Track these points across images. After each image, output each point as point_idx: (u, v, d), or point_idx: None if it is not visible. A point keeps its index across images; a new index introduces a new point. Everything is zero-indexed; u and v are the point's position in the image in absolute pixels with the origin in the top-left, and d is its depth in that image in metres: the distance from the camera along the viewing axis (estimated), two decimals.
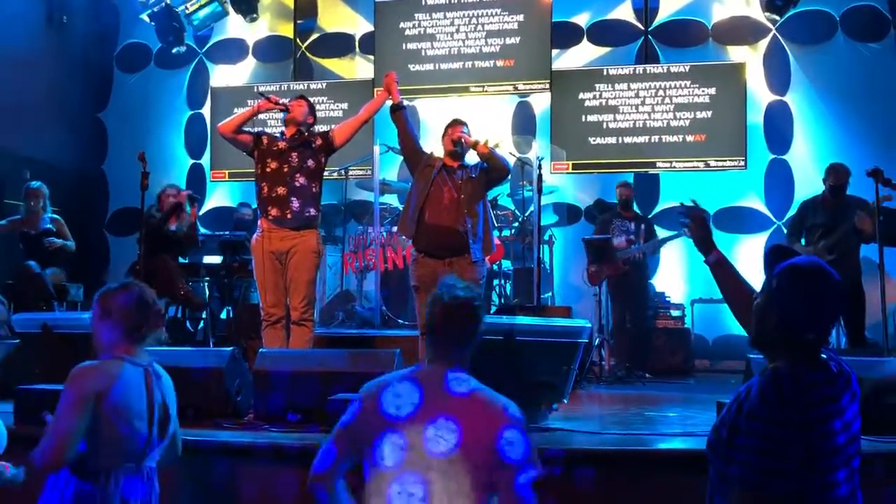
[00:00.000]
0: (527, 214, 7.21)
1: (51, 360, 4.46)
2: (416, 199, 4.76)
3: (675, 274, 7.81)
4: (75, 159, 8.92)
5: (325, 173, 7.85)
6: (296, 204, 4.68)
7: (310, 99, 5.10)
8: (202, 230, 8.62)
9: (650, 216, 7.83)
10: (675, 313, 7.18)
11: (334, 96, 8.56)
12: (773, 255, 2.06)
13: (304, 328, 4.65)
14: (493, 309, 6.78)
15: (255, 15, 8.66)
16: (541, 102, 8.29)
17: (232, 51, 9.18)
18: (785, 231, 7.47)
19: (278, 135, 4.91)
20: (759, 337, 2.02)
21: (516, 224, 7.28)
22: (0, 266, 7.33)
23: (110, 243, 9.10)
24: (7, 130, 7.93)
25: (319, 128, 5.28)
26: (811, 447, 1.85)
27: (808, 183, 7.44)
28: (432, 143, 8.54)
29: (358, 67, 8.93)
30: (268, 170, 4.77)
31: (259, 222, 4.81)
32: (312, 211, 4.76)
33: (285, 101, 4.91)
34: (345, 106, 8.45)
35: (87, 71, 9.19)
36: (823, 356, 1.96)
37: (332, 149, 4.94)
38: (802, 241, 6.17)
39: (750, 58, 7.90)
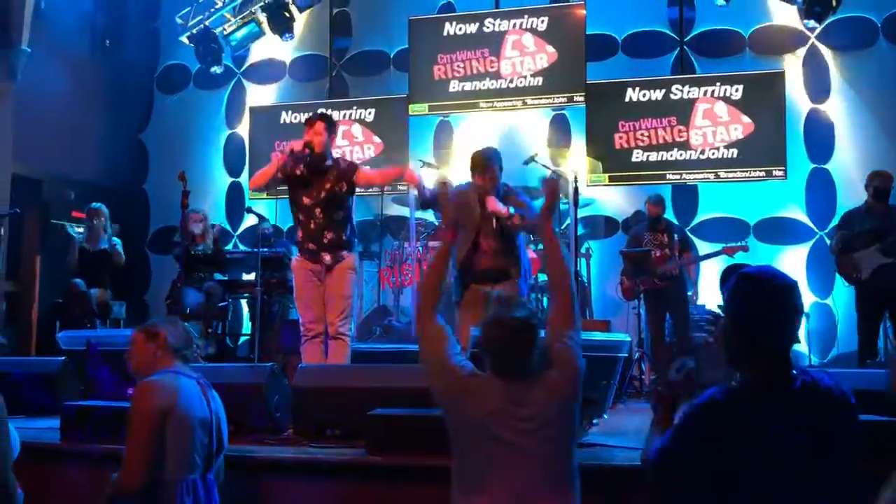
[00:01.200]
0: (563, 227, 7.17)
1: (95, 376, 4.54)
2: (457, 252, 4.69)
3: (717, 286, 7.69)
4: (117, 179, 9.10)
5: (361, 189, 7.92)
6: (328, 236, 4.73)
7: (328, 115, 4.97)
8: (241, 247, 8.73)
9: (688, 228, 7.73)
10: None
11: (368, 114, 8.62)
12: (727, 273, 2.10)
13: (340, 342, 4.71)
14: None
15: (291, 35, 8.78)
16: (576, 115, 8.25)
17: (269, 70, 9.31)
18: (828, 241, 7.34)
19: (305, 163, 4.80)
20: (725, 353, 2.00)
21: None
22: (51, 284, 7.52)
23: (151, 261, 9.25)
24: (52, 153, 8.14)
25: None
26: (737, 463, 1.83)
27: (852, 192, 7.30)
28: (463, 160, 8.58)
29: (393, 85, 8.99)
30: (298, 201, 4.80)
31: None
32: (343, 237, 4.79)
33: (302, 144, 4.73)
34: (380, 125, 8.51)
35: (129, 93, 9.38)
36: (794, 371, 1.90)
37: (353, 184, 4.87)
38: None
39: (788, 66, 7.79)
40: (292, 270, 4.97)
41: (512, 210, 4.61)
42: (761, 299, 1.89)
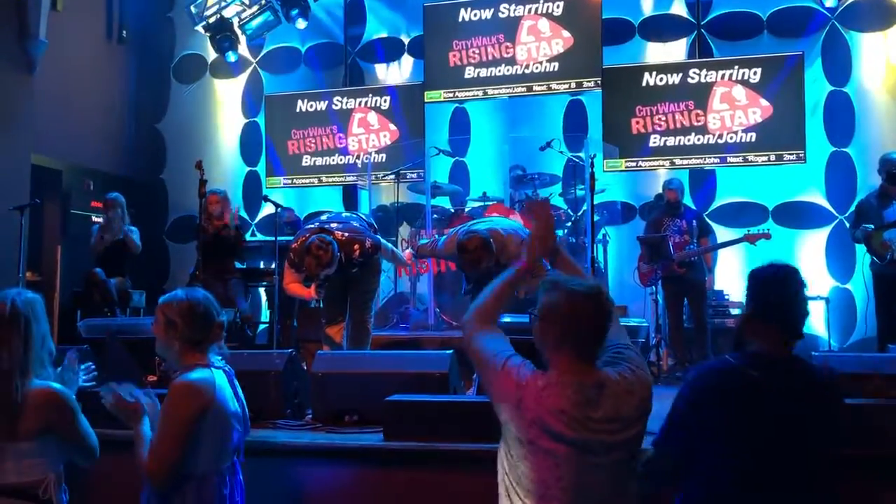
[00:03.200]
0: (579, 214, 7.16)
1: (116, 364, 4.59)
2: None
3: (735, 271, 7.64)
4: (135, 169, 9.18)
5: (375, 177, 7.91)
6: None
7: (323, 244, 4.65)
8: (259, 236, 8.78)
9: (706, 213, 7.68)
10: (734, 311, 7.02)
11: (384, 102, 8.62)
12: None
13: (363, 331, 4.76)
14: None
15: (306, 22, 8.77)
16: (592, 100, 8.20)
17: (285, 59, 9.33)
18: (849, 225, 7.28)
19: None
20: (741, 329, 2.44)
21: (569, 224, 7.22)
22: (71, 273, 7.61)
23: (170, 250, 9.32)
24: (71, 143, 8.21)
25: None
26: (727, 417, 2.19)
27: (872, 176, 7.22)
28: (479, 147, 8.58)
29: (408, 71, 8.99)
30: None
31: None
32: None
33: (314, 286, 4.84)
34: (395, 112, 8.51)
35: (146, 83, 9.44)
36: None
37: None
38: (871, 227, 5.97)
39: (808, 48, 7.69)
40: None
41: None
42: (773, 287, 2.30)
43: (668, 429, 2.31)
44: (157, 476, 2.40)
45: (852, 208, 7.44)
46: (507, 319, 2.61)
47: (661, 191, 7.22)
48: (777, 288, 2.28)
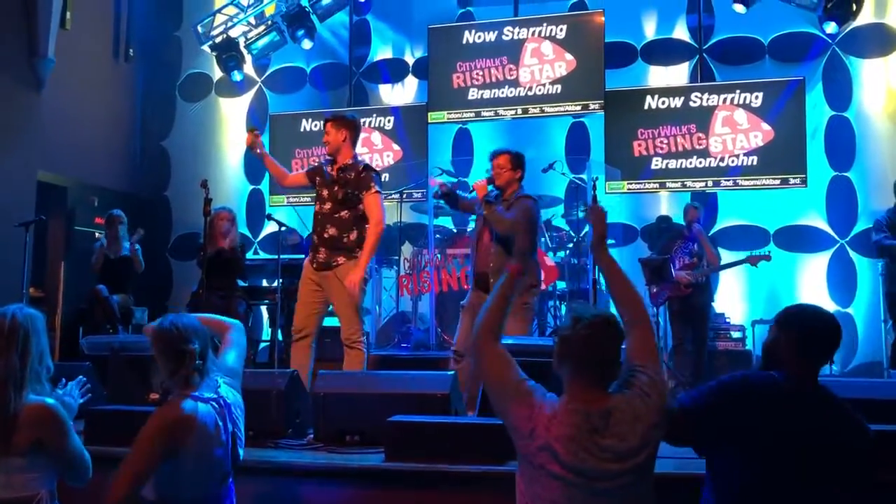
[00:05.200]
0: (581, 235, 7.18)
1: (118, 381, 4.61)
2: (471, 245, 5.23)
3: (735, 295, 7.66)
4: (140, 186, 9.23)
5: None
6: (330, 231, 4.73)
7: (337, 115, 4.98)
8: (262, 255, 8.81)
9: (708, 236, 7.69)
10: (735, 335, 7.03)
11: (388, 122, 8.68)
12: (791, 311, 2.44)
13: (354, 351, 4.68)
14: (549, 331, 6.75)
15: (311, 42, 8.85)
16: (595, 122, 8.25)
17: (290, 78, 9.40)
18: (851, 248, 7.30)
19: (326, 174, 4.87)
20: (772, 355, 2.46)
21: (570, 245, 7.25)
22: (74, 290, 7.63)
23: (173, 268, 9.34)
24: (77, 160, 8.26)
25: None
26: (744, 427, 2.23)
27: (873, 200, 7.26)
28: (482, 168, 8.59)
29: (412, 92, 9.05)
30: (317, 194, 4.86)
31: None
32: (345, 239, 4.70)
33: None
34: (399, 132, 8.56)
35: (152, 101, 9.51)
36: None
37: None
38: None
39: (809, 73, 7.75)
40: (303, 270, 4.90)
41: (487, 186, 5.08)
42: (820, 329, 2.34)
43: (700, 401, 2.35)
44: (117, 494, 2.32)
45: (854, 232, 7.48)
46: (509, 341, 2.61)
47: (664, 213, 7.25)
48: (831, 340, 2.34)
